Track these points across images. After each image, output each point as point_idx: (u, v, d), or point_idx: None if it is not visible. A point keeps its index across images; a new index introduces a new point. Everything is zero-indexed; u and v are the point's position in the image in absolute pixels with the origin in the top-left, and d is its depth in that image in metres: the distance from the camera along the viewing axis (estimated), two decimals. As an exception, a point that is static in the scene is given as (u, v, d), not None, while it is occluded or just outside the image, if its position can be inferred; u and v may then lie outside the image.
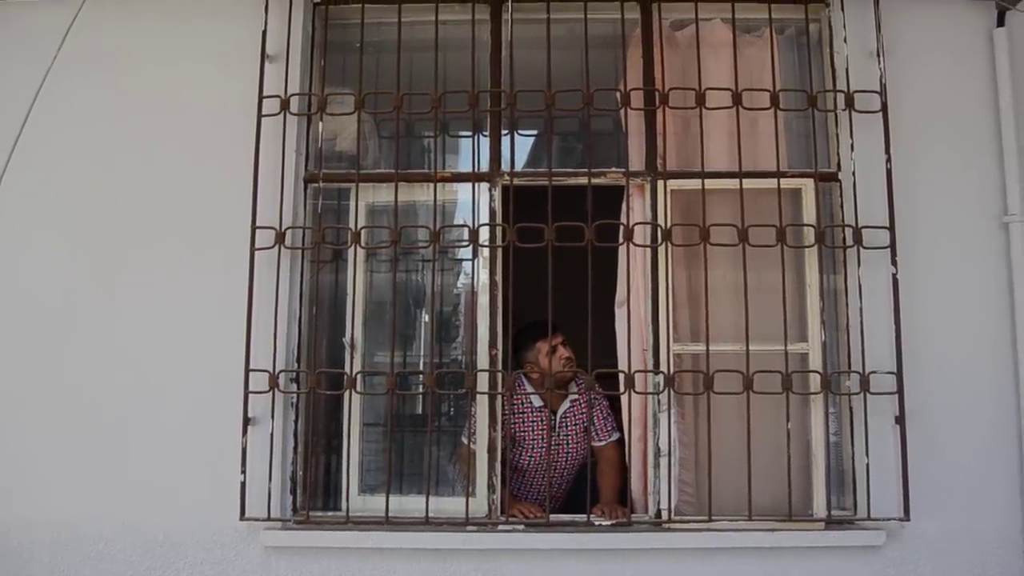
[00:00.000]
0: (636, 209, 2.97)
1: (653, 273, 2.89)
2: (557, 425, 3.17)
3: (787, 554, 2.73)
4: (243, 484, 2.73)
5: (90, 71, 3.00)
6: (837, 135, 2.94)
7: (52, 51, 2.94)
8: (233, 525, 2.74)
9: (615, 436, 3.17)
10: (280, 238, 2.82)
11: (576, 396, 3.18)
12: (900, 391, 2.74)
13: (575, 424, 3.19)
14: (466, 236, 2.88)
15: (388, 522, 2.73)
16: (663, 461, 2.81)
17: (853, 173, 2.87)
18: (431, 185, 2.91)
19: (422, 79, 2.94)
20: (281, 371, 2.78)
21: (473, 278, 2.95)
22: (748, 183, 2.85)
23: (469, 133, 2.99)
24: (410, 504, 2.81)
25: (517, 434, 3.13)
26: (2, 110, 2.95)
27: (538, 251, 2.78)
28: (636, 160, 2.99)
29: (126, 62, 3.02)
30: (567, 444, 3.19)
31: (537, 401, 3.16)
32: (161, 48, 3.02)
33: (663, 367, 2.83)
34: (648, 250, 2.90)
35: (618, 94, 2.97)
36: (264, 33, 2.92)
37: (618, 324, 2.95)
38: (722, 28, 3.03)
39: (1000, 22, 2.96)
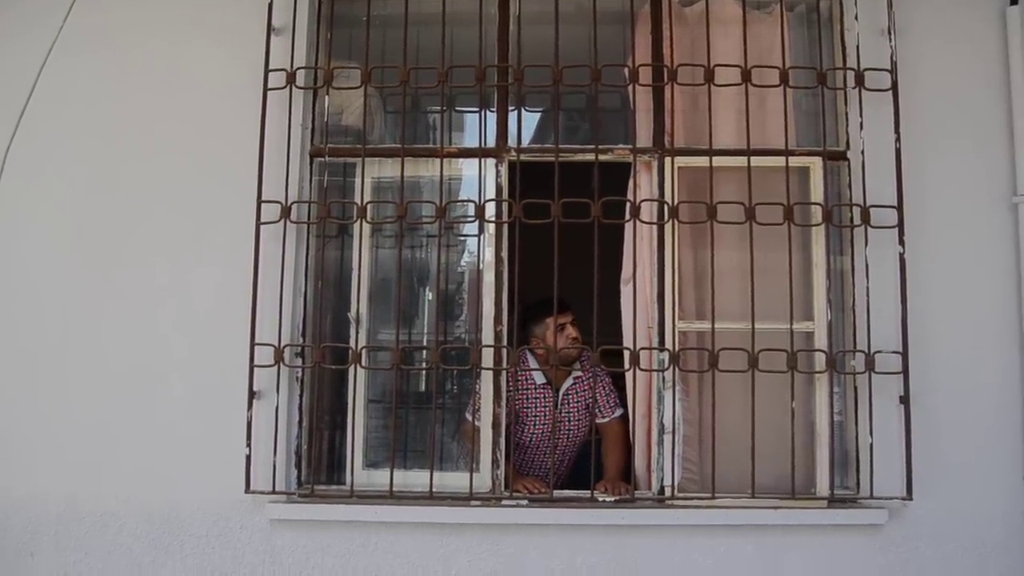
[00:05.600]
0: (643, 186, 2.95)
1: (659, 250, 2.88)
2: (559, 402, 3.17)
3: (789, 532, 2.74)
4: (248, 457, 2.74)
5: (94, 48, 2.98)
6: (846, 114, 2.92)
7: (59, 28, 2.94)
8: (238, 498, 2.75)
9: (618, 412, 3.18)
10: (286, 212, 2.81)
11: (579, 373, 3.19)
12: (905, 371, 2.74)
13: (577, 401, 3.20)
14: (472, 212, 2.87)
15: (392, 496, 2.74)
16: (667, 438, 2.82)
17: (862, 152, 2.86)
18: (437, 160, 2.89)
19: (429, 53, 2.92)
20: (286, 345, 2.78)
21: (479, 254, 2.94)
22: (756, 161, 2.83)
23: (476, 109, 2.96)
24: (414, 479, 2.82)
25: (520, 410, 3.14)
26: (9, 88, 2.95)
27: (544, 227, 2.76)
28: (643, 137, 2.98)
29: (131, 38, 2.99)
30: (568, 421, 3.20)
31: (540, 378, 3.16)
32: (166, 23, 2.99)
33: (668, 344, 2.83)
34: (655, 227, 2.89)
35: (626, 70, 2.96)
36: (270, 6, 2.90)
37: (623, 301, 2.94)
38: (732, 4, 3.00)
39: (1014, 0, 2.92)
